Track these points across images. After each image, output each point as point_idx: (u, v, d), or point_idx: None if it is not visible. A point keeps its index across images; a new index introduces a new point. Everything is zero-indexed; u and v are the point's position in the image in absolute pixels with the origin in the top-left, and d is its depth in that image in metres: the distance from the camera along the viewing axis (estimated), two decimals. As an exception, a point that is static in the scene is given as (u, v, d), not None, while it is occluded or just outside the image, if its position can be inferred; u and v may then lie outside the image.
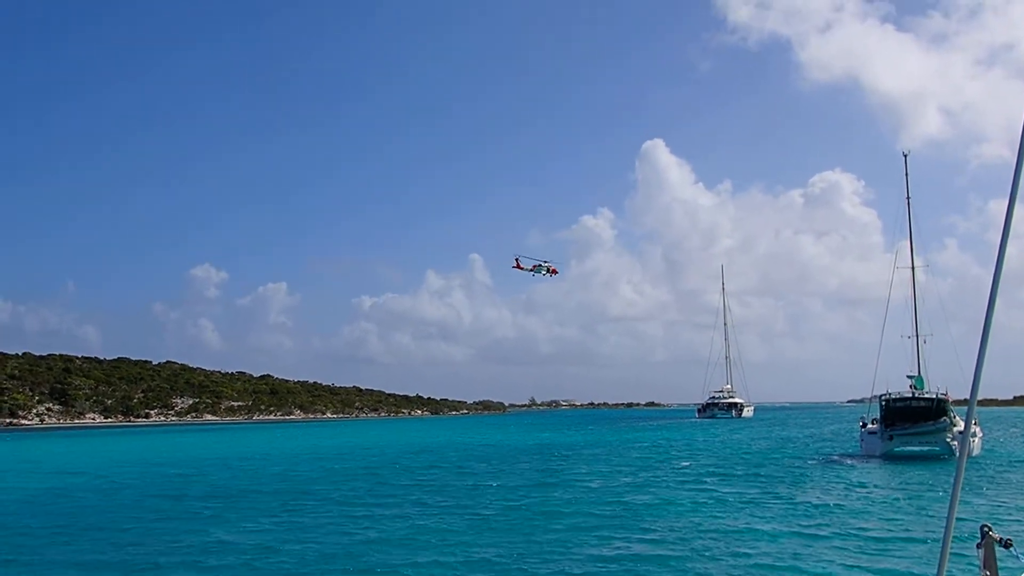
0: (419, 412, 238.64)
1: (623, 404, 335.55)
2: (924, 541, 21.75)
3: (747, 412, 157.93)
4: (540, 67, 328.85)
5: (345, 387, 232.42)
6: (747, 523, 25.44)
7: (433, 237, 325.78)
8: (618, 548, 21.68)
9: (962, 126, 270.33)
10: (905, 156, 62.35)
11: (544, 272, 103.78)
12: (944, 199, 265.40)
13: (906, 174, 61.39)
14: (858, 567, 18.95)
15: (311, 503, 32.73)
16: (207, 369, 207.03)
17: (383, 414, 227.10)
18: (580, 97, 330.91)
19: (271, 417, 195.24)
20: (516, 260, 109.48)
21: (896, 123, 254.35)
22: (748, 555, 20.46)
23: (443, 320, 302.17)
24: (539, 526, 25.56)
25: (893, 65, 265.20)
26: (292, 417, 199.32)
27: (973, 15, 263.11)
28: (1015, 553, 6.17)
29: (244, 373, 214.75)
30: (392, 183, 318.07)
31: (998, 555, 5.93)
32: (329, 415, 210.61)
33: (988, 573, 5.82)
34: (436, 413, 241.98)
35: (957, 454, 51.12)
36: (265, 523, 27.50)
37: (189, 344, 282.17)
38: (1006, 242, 4.90)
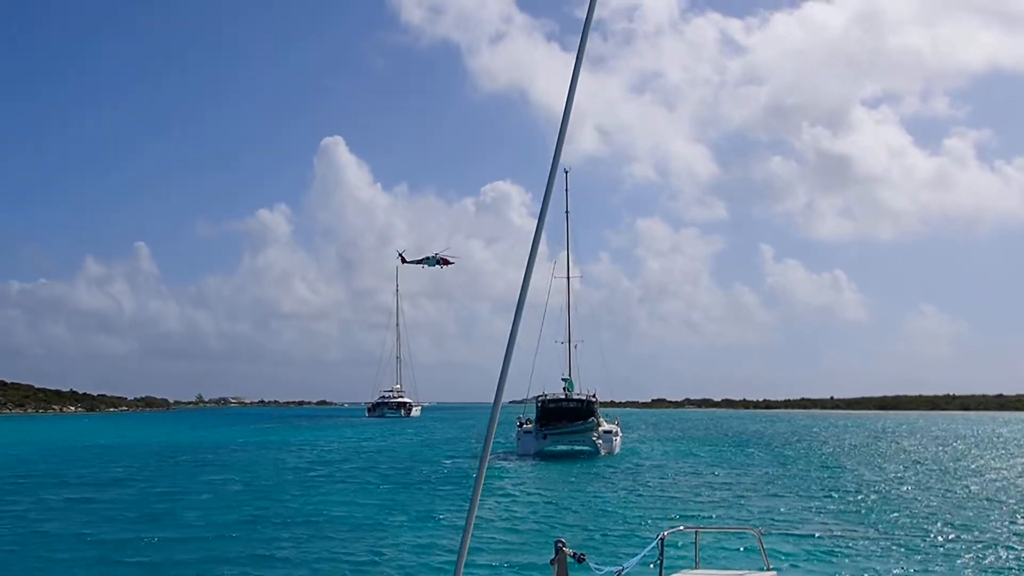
0: (72, 408, 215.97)
1: (295, 402, 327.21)
2: (543, 543, 20.28)
3: (415, 411, 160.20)
4: (212, 58, 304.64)
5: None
6: (370, 533, 23.28)
7: (94, 221, 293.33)
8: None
9: (616, 146, 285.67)
10: (567, 172, 65.30)
11: (436, 264, 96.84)
12: (600, 214, 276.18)
13: (566, 189, 64.74)
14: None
15: None
16: None
17: (30, 410, 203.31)
18: (257, 86, 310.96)
19: None
20: (400, 255, 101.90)
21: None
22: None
23: (103, 311, 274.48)
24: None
25: (556, 82, 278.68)
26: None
27: (628, 42, 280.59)
28: (589, 566, 6.26)
29: None
30: (55, 165, 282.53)
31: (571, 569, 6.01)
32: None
33: None
34: (92, 410, 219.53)
35: (602, 452, 53.20)
36: None
37: None
38: (534, 257, 4.99)
